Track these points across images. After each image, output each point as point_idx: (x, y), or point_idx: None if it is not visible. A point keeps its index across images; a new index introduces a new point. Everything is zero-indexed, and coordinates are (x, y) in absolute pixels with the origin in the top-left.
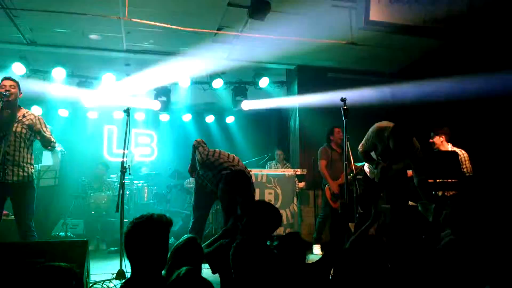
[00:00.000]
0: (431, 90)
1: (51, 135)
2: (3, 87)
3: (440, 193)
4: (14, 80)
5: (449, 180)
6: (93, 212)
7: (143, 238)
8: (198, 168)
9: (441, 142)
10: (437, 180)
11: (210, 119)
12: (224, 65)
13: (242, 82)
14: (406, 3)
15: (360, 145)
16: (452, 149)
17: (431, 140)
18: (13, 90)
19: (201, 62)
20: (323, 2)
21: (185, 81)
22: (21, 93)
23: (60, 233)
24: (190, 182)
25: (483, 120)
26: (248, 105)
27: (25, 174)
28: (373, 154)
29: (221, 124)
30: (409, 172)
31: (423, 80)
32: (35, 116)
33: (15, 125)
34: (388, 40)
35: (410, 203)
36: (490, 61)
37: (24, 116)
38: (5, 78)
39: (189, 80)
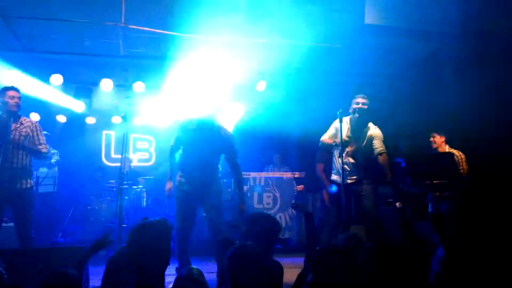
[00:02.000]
0: (428, 92)
1: (44, 144)
2: (13, 98)
3: (437, 194)
4: (19, 91)
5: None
6: (92, 218)
7: (146, 240)
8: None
9: (442, 142)
10: (434, 182)
11: None
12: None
13: (239, 86)
14: (400, 6)
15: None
16: (449, 151)
17: (431, 139)
18: (19, 102)
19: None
20: (319, 6)
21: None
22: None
23: (59, 240)
24: None
25: (481, 122)
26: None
27: (24, 181)
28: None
29: None
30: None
31: (420, 82)
32: (32, 123)
33: (13, 132)
34: (384, 43)
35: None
36: (486, 64)
37: (21, 123)
38: (12, 89)
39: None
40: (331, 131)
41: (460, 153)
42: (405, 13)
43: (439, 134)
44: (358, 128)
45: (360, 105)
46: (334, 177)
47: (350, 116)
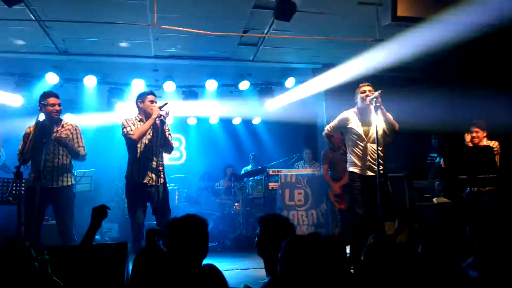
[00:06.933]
0: (462, 85)
1: (82, 146)
2: (54, 105)
3: (475, 189)
4: (59, 97)
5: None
6: (127, 216)
7: (186, 231)
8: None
9: (483, 136)
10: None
11: (237, 121)
12: (250, 66)
13: (268, 83)
14: None
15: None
16: (487, 144)
17: (474, 133)
18: (60, 108)
19: (227, 64)
20: (349, 1)
21: (212, 84)
22: None
23: (96, 237)
24: (220, 184)
25: None
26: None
27: (65, 179)
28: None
29: (248, 126)
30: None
31: (454, 75)
32: (72, 126)
33: (54, 134)
34: (416, 35)
35: (440, 200)
36: None
37: (63, 126)
38: (53, 95)
39: (216, 83)
40: (334, 123)
41: (497, 144)
42: None
43: (481, 129)
44: (368, 116)
45: (368, 93)
46: (354, 169)
47: (355, 107)
